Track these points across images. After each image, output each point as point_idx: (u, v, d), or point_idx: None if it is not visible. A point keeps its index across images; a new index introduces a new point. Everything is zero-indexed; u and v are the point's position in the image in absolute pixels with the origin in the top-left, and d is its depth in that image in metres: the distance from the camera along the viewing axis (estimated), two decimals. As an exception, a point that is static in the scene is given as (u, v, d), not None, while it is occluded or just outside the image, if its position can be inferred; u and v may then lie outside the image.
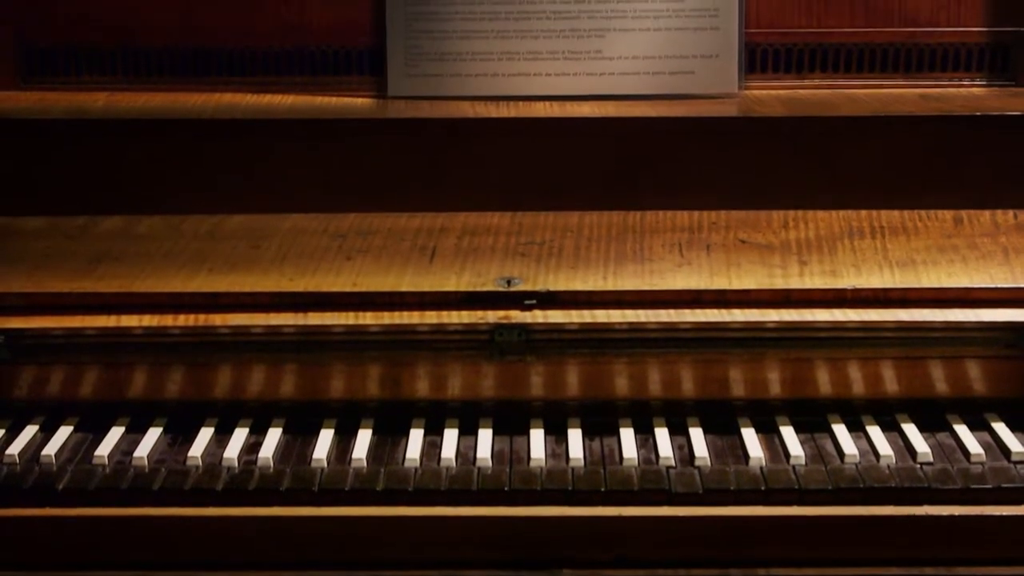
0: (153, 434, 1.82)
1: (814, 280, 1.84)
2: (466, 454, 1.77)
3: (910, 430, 1.80)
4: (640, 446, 1.78)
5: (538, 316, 1.81)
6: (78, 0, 2.12)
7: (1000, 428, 1.80)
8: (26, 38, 2.13)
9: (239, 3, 2.11)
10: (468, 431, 1.81)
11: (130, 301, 1.83)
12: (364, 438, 1.80)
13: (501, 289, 1.83)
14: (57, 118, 2.01)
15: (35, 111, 2.05)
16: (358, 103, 2.10)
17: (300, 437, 1.81)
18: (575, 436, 1.80)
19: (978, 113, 1.98)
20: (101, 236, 1.95)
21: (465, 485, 1.71)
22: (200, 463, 1.75)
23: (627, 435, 1.80)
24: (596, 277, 1.85)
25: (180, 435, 1.82)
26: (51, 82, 2.15)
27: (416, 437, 1.80)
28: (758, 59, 2.13)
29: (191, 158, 1.99)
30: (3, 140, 2.00)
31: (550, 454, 1.77)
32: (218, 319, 1.82)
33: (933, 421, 1.83)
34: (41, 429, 1.84)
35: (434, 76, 2.09)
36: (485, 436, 1.80)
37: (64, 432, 1.82)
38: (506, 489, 1.71)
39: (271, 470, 1.74)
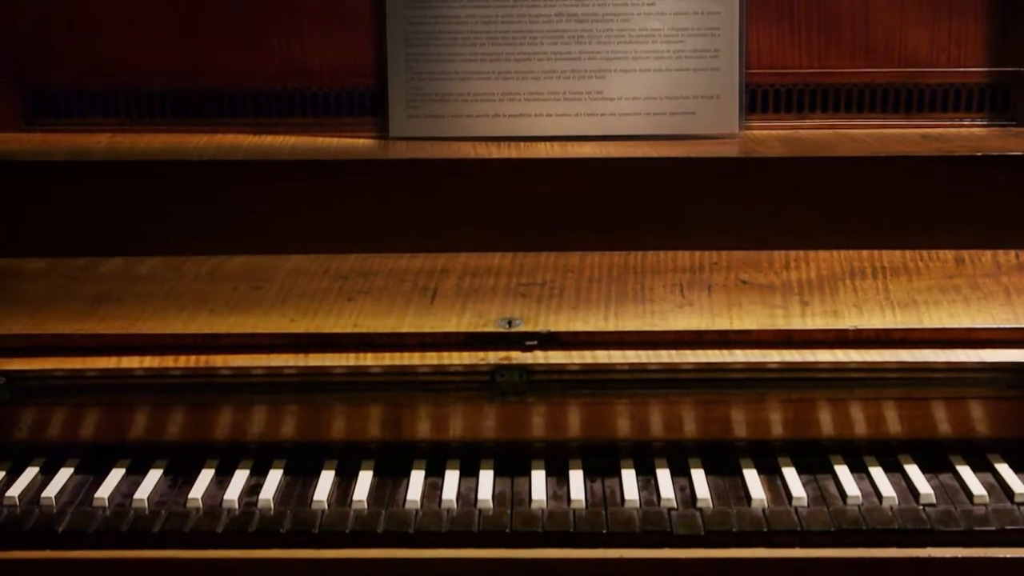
0: (153, 476, 1.81)
1: (816, 320, 1.83)
2: (467, 496, 1.77)
3: (913, 471, 1.79)
4: (642, 487, 1.77)
5: (539, 357, 1.81)
6: (81, 43, 2.13)
7: (1003, 469, 1.80)
8: (29, 81, 2.14)
9: (241, 45, 2.12)
10: (469, 472, 1.81)
11: (131, 342, 1.83)
12: (365, 480, 1.79)
13: (502, 330, 1.83)
14: (58, 160, 2.02)
15: (37, 153, 2.06)
16: (360, 144, 2.10)
17: (301, 478, 1.81)
18: (576, 477, 1.79)
19: (979, 153, 1.98)
20: (102, 277, 1.95)
21: (466, 527, 1.71)
22: (200, 505, 1.75)
23: (629, 476, 1.79)
24: (597, 318, 1.85)
25: (181, 477, 1.82)
26: (54, 124, 2.16)
27: (417, 478, 1.79)
28: (759, 99, 2.14)
29: (192, 199, 1.99)
30: (5, 182, 2.00)
31: (551, 495, 1.76)
32: (219, 360, 1.82)
33: (936, 462, 1.82)
34: (41, 471, 1.83)
35: (435, 117, 2.10)
36: (486, 477, 1.79)
37: (64, 474, 1.82)
38: (507, 531, 1.70)
39: (271, 512, 1.73)
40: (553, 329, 1.83)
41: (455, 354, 1.82)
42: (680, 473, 1.80)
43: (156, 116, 2.15)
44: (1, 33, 2.12)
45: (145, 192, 1.99)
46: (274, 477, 1.80)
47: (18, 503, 1.76)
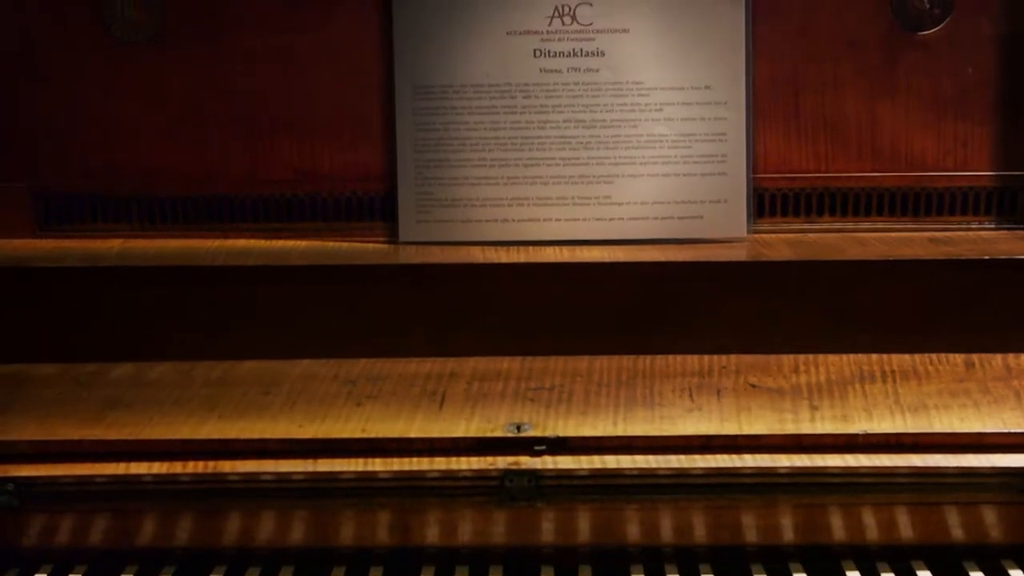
0: (161, 583, 1.81)
1: (825, 425, 1.83)
2: (476, 602, 1.76)
3: (926, 577, 1.78)
4: (652, 594, 1.76)
5: (548, 462, 1.80)
6: (93, 150, 2.15)
7: (1017, 575, 1.78)
8: (42, 187, 2.16)
9: (252, 151, 2.15)
10: (478, 578, 1.80)
11: (140, 448, 1.83)
12: (373, 586, 1.79)
13: (511, 435, 1.82)
14: (70, 265, 2.03)
15: (49, 258, 2.07)
16: (369, 248, 2.11)
17: (309, 585, 1.80)
18: (586, 584, 1.78)
19: (987, 257, 1.99)
20: (112, 383, 1.96)
21: (475, 634, 1.70)
22: (208, 612, 1.74)
23: (639, 583, 1.78)
24: (606, 422, 1.85)
25: (189, 584, 1.81)
26: (67, 229, 2.18)
27: (426, 585, 1.79)
28: (766, 203, 2.15)
29: (203, 304, 2.00)
30: (17, 287, 2.02)
31: (561, 602, 1.75)
32: (228, 466, 1.81)
33: (949, 568, 1.80)
34: (49, 578, 1.83)
35: (445, 222, 2.11)
36: (495, 583, 1.78)
37: (73, 581, 1.81)
38: (516, 638, 1.69)
39: (279, 620, 1.73)
40: (562, 434, 1.82)
41: (464, 459, 1.81)
42: (690, 579, 1.79)
43: (168, 221, 2.17)
44: (14, 139, 2.15)
45: (156, 297, 2.01)
46: (282, 584, 1.80)
47: (25, 611, 1.76)
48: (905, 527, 1.82)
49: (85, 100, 2.14)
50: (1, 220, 2.17)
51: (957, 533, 1.82)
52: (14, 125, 2.14)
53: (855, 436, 1.81)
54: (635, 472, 1.80)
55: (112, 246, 2.15)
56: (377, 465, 1.81)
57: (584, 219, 2.11)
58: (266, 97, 2.13)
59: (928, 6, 2.08)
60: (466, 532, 1.83)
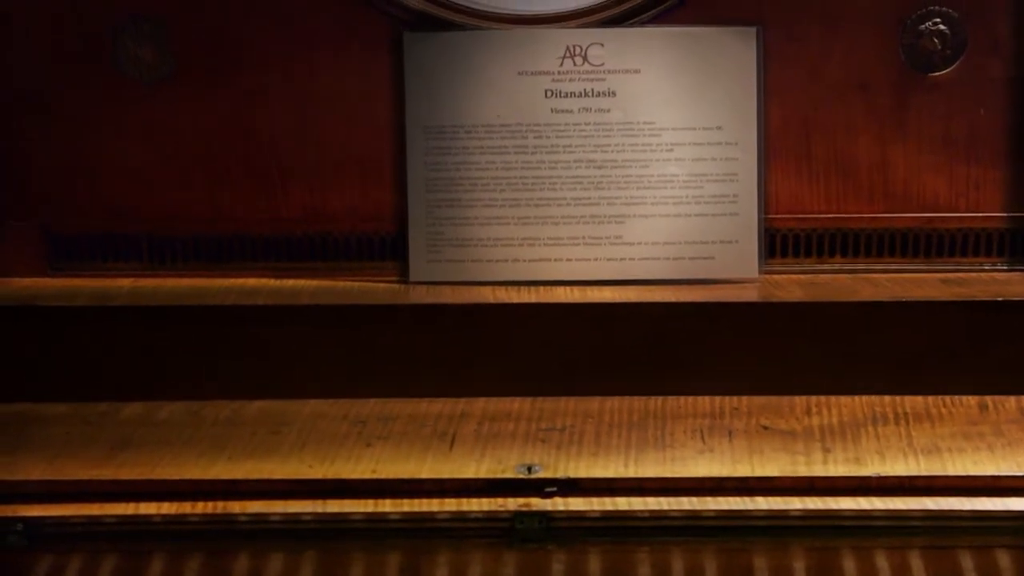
0: (170, 624, 1.80)
1: (838, 468, 1.82)
2: (486, 646, 1.75)
3: (940, 622, 1.77)
4: (664, 638, 1.75)
5: (559, 504, 1.79)
6: (104, 191, 2.16)
7: (1032, 620, 1.77)
8: (53, 227, 2.17)
9: (263, 191, 2.15)
10: (489, 621, 1.79)
11: (149, 488, 1.82)
12: (383, 629, 1.78)
13: (522, 476, 1.81)
14: (80, 305, 2.04)
15: (60, 297, 2.08)
16: (380, 288, 2.11)
17: (318, 627, 1.79)
18: (597, 627, 1.77)
19: (1000, 298, 1.98)
20: (122, 422, 1.96)
21: None
22: (216, 655, 1.73)
23: (650, 626, 1.77)
24: (617, 464, 1.84)
25: (197, 625, 1.80)
26: (78, 269, 2.18)
27: (436, 627, 1.78)
28: (778, 244, 2.14)
29: (213, 344, 2.00)
30: (28, 326, 2.02)
31: (571, 646, 1.74)
32: (237, 507, 1.80)
33: (963, 613, 1.79)
34: (57, 619, 1.82)
35: (456, 262, 2.11)
36: (506, 627, 1.77)
37: (80, 622, 1.81)
38: None
39: (287, 663, 1.72)
40: (573, 475, 1.81)
41: (474, 500, 1.80)
42: (702, 623, 1.78)
43: (179, 261, 2.17)
44: (26, 180, 2.15)
45: (166, 337, 2.01)
46: (291, 626, 1.79)
47: (32, 652, 1.75)
48: (919, 571, 1.80)
49: (96, 140, 2.14)
50: (12, 259, 2.18)
51: (971, 577, 1.81)
52: (26, 164, 2.15)
53: (868, 479, 1.80)
54: (647, 514, 1.79)
55: (123, 285, 2.15)
56: (387, 506, 1.80)
57: (595, 259, 2.10)
58: (277, 136, 2.13)
59: (939, 47, 2.09)
60: (476, 574, 1.82)
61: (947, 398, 1.95)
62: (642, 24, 2.09)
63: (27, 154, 2.15)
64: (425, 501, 1.80)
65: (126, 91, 2.13)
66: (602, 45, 2.09)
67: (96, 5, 2.11)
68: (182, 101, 2.13)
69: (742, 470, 1.82)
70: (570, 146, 2.10)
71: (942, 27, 2.08)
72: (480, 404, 1.98)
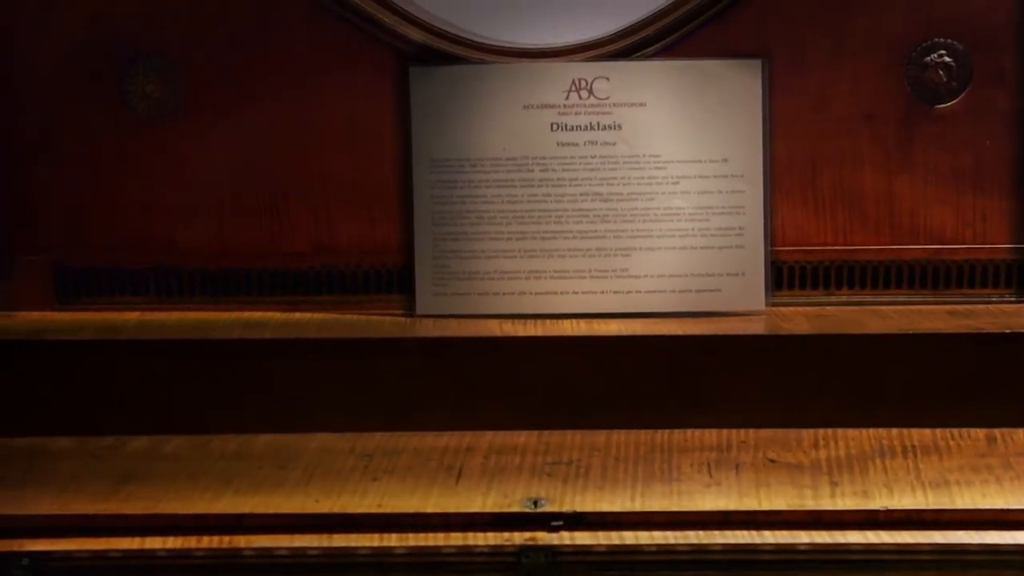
0: (175, 659, 1.79)
1: (846, 501, 1.81)
2: None
3: (949, 656, 1.76)
4: (671, 673, 1.74)
5: (565, 538, 1.79)
6: (111, 224, 2.16)
7: (1042, 655, 1.76)
8: (60, 260, 2.17)
9: (270, 224, 2.15)
10: (494, 656, 1.78)
11: (155, 523, 1.82)
12: (389, 663, 1.77)
13: (528, 510, 1.81)
14: (87, 338, 2.04)
15: (66, 331, 2.08)
16: (386, 321, 2.11)
17: (324, 662, 1.78)
18: (604, 663, 1.76)
19: (1008, 330, 1.98)
20: (129, 456, 1.96)
21: None
22: None
23: (657, 661, 1.76)
24: (624, 498, 1.83)
25: (202, 660, 1.80)
26: (85, 302, 2.18)
27: (441, 662, 1.77)
28: (785, 276, 2.14)
29: (219, 377, 2.00)
30: (35, 360, 2.02)
31: None
32: (242, 541, 1.80)
33: (972, 647, 1.78)
34: (61, 654, 1.82)
35: (462, 295, 2.11)
36: (512, 662, 1.76)
37: (85, 657, 1.80)
38: None
39: None
40: (579, 509, 1.81)
41: (480, 535, 1.80)
42: (710, 658, 1.77)
43: (186, 294, 2.17)
44: (34, 214, 2.16)
45: (173, 370, 2.01)
46: (296, 661, 1.78)
47: None
48: (928, 605, 1.80)
49: (104, 174, 2.15)
50: (20, 293, 2.18)
51: (981, 611, 1.80)
52: (33, 199, 2.16)
53: (876, 512, 1.79)
54: (653, 548, 1.78)
55: (129, 319, 2.15)
56: (393, 540, 1.79)
57: (601, 292, 2.10)
58: (283, 170, 2.14)
59: (945, 79, 2.09)
60: (482, 608, 1.82)
61: (955, 431, 1.95)
62: (647, 57, 2.10)
63: (35, 188, 2.15)
64: (431, 535, 1.80)
65: (133, 126, 2.14)
66: (608, 78, 2.09)
67: (103, 41, 2.12)
68: (188, 135, 2.14)
69: (749, 503, 1.81)
70: (576, 179, 2.10)
71: (948, 59, 2.08)
72: (487, 438, 1.98)
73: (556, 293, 2.11)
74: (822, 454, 1.91)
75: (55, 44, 2.12)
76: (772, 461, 1.90)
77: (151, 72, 2.12)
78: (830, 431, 1.96)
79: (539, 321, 2.09)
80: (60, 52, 2.12)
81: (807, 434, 1.95)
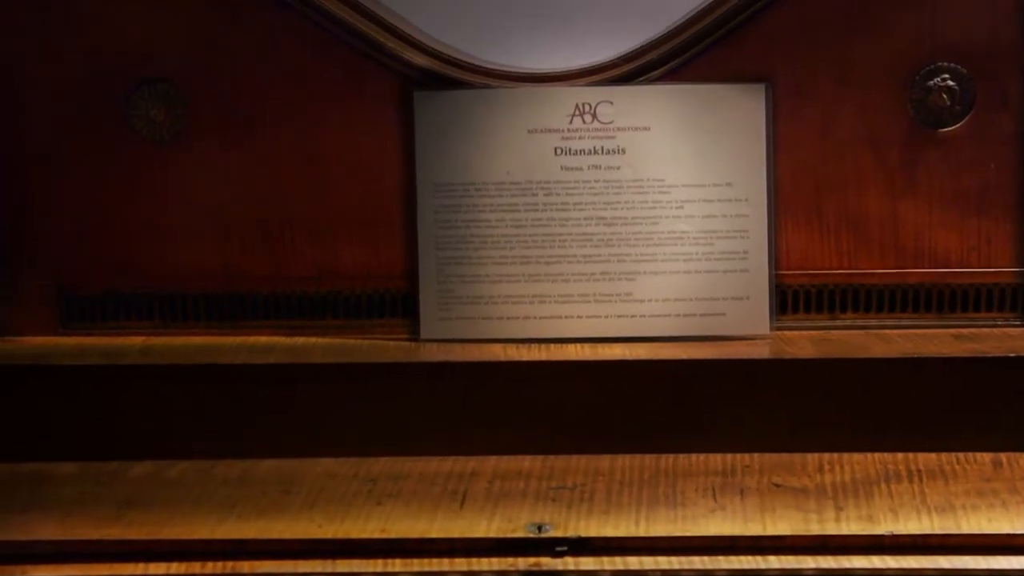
0: None
1: (851, 526, 1.80)
2: None
3: None
4: None
5: (569, 563, 1.78)
6: (116, 249, 2.16)
7: None
8: (66, 286, 2.17)
9: (275, 248, 2.15)
10: None
11: (158, 548, 1.81)
12: None
13: (532, 535, 1.80)
14: (91, 363, 2.04)
15: (70, 355, 2.08)
16: (391, 346, 2.11)
17: None
18: None
19: (1013, 354, 1.97)
20: (132, 481, 1.96)
21: None
22: None
23: None
24: (628, 523, 1.82)
25: None
26: (90, 327, 2.18)
27: None
28: (789, 300, 2.14)
29: (224, 402, 2.00)
30: (39, 385, 2.02)
31: None
32: (246, 566, 1.79)
33: (979, 673, 1.77)
34: None
35: (466, 319, 2.11)
36: None
37: None
38: None
39: None
40: (584, 535, 1.80)
41: (484, 560, 1.79)
42: None
43: (190, 319, 2.18)
44: (38, 239, 2.16)
45: (177, 395, 2.01)
46: None
47: None
48: (934, 630, 1.79)
49: (109, 199, 2.15)
50: (24, 317, 2.18)
51: (987, 637, 1.79)
52: (37, 223, 2.16)
53: (881, 537, 1.78)
54: (658, 573, 1.77)
55: (134, 343, 2.15)
56: (397, 566, 1.79)
57: (606, 316, 2.10)
58: (288, 195, 2.14)
59: (949, 103, 2.09)
60: (486, 634, 1.81)
61: (960, 455, 1.94)
62: (651, 82, 2.10)
63: (40, 213, 2.16)
64: (435, 560, 1.79)
65: (138, 151, 2.14)
66: (611, 103, 2.10)
67: (109, 66, 2.12)
68: (193, 160, 2.14)
69: (754, 528, 1.80)
70: (580, 203, 2.10)
71: (951, 83, 2.08)
72: (491, 462, 1.97)
73: (560, 317, 2.11)
74: (827, 478, 1.91)
75: (61, 69, 2.13)
76: (777, 486, 1.90)
77: (156, 98, 2.12)
78: (835, 455, 1.95)
79: (543, 345, 2.09)
80: (66, 77, 2.13)
81: (812, 458, 1.95)
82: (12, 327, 2.18)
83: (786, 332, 2.12)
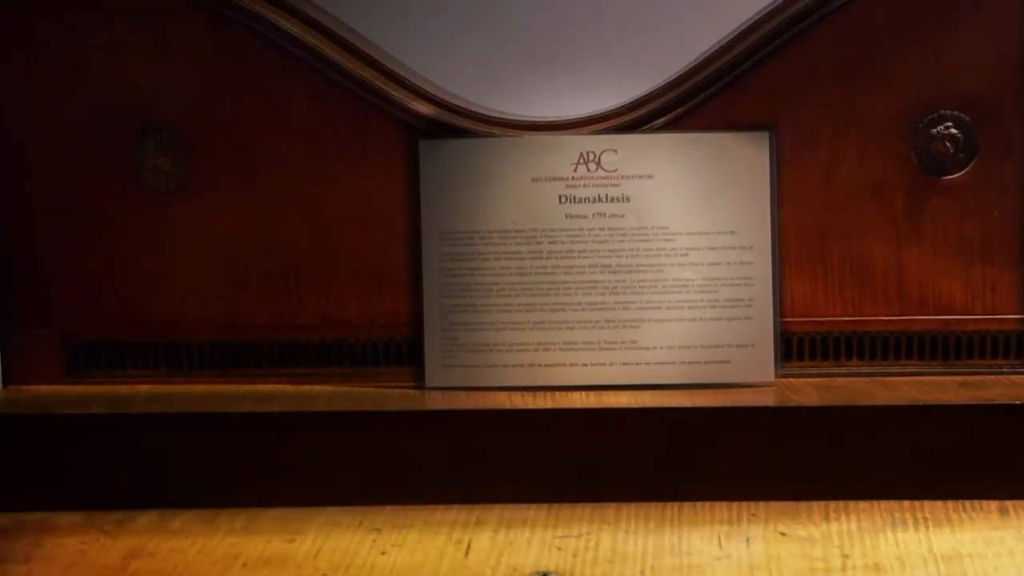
0: None
1: (857, 574, 1.79)
2: None
3: None
4: None
5: (575, 612, 1.78)
6: (121, 298, 2.17)
7: None
8: (71, 336, 2.18)
9: (280, 298, 2.16)
10: None
11: (162, 599, 1.82)
12: None
13: (537, 584, 1.80)
14: (96, 412, 2.04)
15: (76, 404, 2.08)
16: (395, 394, 2.11)
17: None
18: None
19: (1019, 402, 1.97)
20: (136, 530, 1.95)
21: None
22: None
23: None
24: (634, 571, 1.82)
25: None
26: (95, 376, 2.18)
27: None
28: (794, 347, 2.14)
29: (228, 451, 2.00)
30: (44, 434, 2.02)
31: None
32: (250, 616, 1.80)
33: None
34: None
35: (471, 367, 2.11)
36: None
37: None
38: None
39: None
40: (589, 583, 1.80)
41: (489, 609, 1.79)
42: None
43: (195, 368, 2.18)
44: (44, 288, 2.17)
45: (182, 444, 2.01)
46: None
47: None
48: None
49: (114, 247, 2.16)
50: (30, 366, 2.19)
51: None
52: (43, 271, 2.17)
53: (888, 586, 1.78)
54: (664, 623, 1.77)
55: (139, 392, 2.15)
56: (401, 616, 1.79)
57: (610, 364, 2.10)
58: (293, 244, 2.15)
59: (952, 150, 2.09)
60: None
61: (967, 502, 1.93)
62: (655, 130, 2.11)
63: (45, 261, 2.17)
64: (440, 610, 1.79)
65: (144, 199, 2.15)
66: (616, 151, 2.10)
67: (115, 115, 2.14)
68: (198, 209, 2.15)
69: (760, 577, 1.80)
70: (584, 251, 2.10)
71: (954, 131, 2.09)
72: (496, 511, 1.97)
73: (565, 365, 2.11)
74: (833, 526, 1.90)
75: (67, 119, 2.14)
76: (783, 534, 1.89)
77: (162, 146, 2.13)
78: (841, 503, 1.94)
79: (548, 393, 2.09)
80: (72, 126, 2.14)
81: (818, 506, 1.94)
82: (18, 376, 2.19)
83: (791, 379, 2.12)
